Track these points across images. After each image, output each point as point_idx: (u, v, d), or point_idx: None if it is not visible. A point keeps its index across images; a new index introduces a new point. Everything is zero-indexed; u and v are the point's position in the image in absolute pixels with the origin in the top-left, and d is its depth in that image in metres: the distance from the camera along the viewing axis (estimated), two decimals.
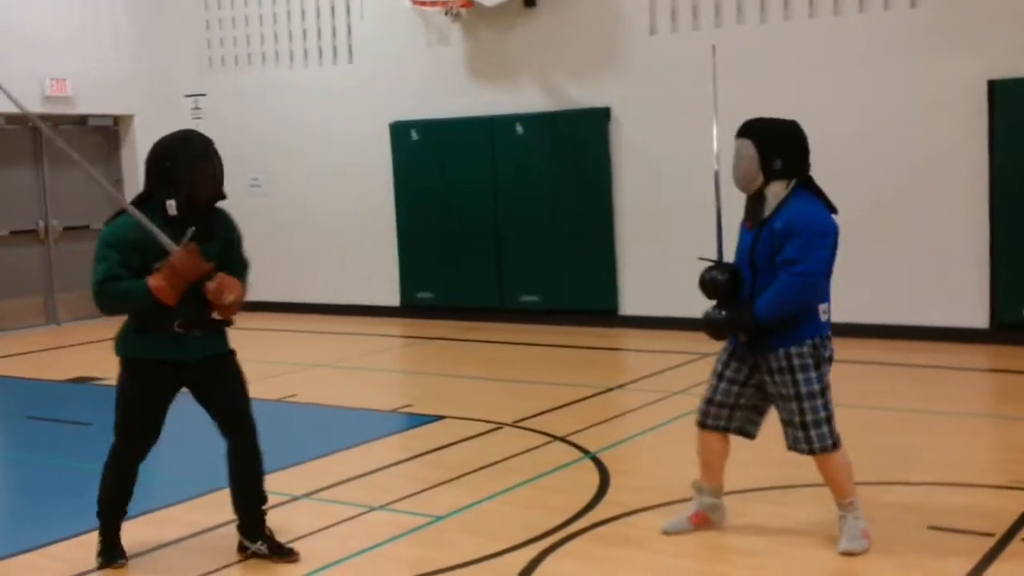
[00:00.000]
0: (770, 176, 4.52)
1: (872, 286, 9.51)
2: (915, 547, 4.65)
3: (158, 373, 4.65)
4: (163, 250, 4.43)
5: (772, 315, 4.44)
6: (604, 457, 6.17)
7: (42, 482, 6.10)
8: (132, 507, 4.94)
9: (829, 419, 4.52)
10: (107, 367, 9.52)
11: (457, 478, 5.88)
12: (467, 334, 10.93)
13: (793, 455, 4.68)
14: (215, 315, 4.68)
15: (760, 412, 4.76)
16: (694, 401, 7.42)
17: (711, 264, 4.69)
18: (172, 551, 5.01)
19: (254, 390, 8.60)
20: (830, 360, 4.55)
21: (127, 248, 4.45)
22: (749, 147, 4.54)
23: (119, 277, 4.45)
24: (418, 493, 5.65)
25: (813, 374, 4.47)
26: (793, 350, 4.47)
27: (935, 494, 5.39)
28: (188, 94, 13.44)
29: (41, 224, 12.56)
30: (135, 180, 13.25)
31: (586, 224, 11.15)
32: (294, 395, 8.25)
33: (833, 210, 4.59)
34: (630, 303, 11.01)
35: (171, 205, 4.48)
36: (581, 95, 11.10)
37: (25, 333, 11.96)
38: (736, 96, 10.25)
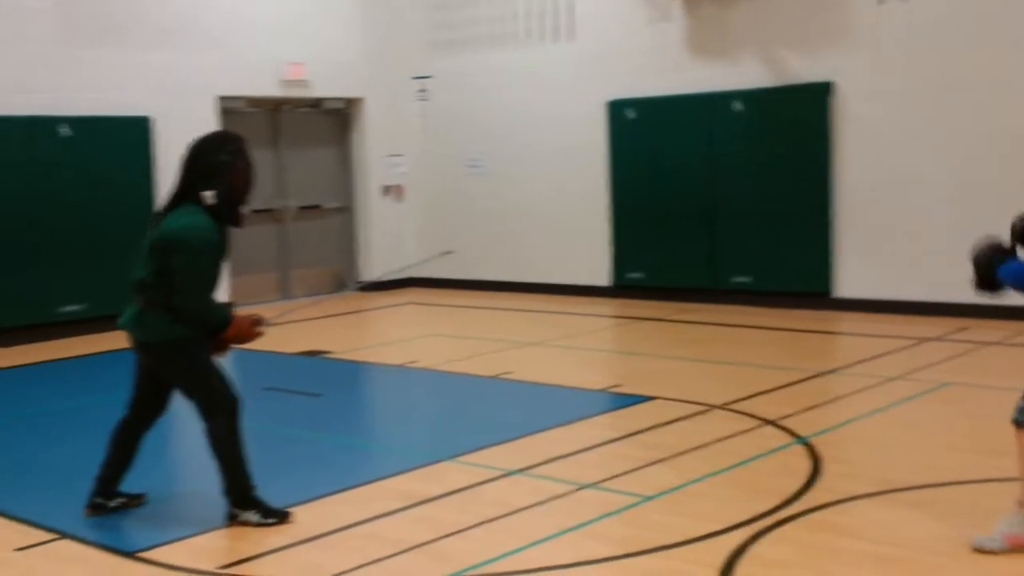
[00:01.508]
0: None
1: None
2: None
3: (203, 344, 5.08)
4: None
5: (1004, 279, 4.38)
6: (816, 443, 6.06)
7: (280, 452, 6.49)
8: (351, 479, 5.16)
9: None
10: (334, 341, 10.12)
11: (666, 459, 5.91)
12: (678, 315, 10.89)
13: None
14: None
15: None
16: (911, 387, 7.25)
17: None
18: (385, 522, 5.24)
19: (473, 366, 8.98)
20: None
21: (215, 248, 4.98)
22: None
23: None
24: (627, 473, 5.72)
25: None
26: None
27: None
28: (415, 76, 13.89)
29: (278, 203, 13.31)
30: (363, 160, 13.85)
31: (803, 204, 10.90)
32: (509, 372, 8.46)
33: None
34: (846, 285, 10.70)
35: (210, 196, 4.91)
36: (803, 70, 10.83)
37: (261, 307, 12.68)
38: (970, 71, 9.83)
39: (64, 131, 10.94)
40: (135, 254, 5.13)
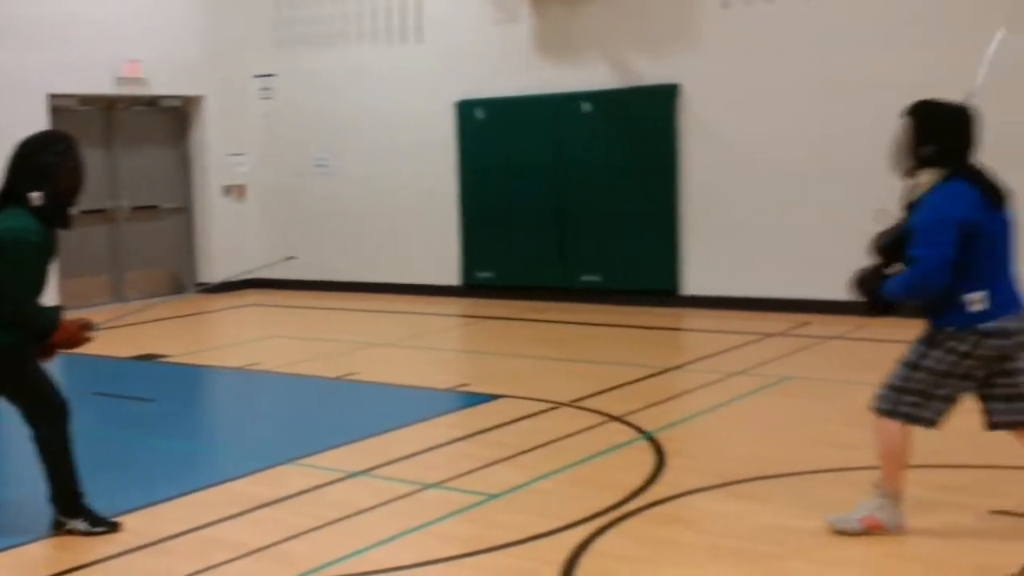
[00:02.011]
0: (920, 162, 4.33)
1: None
2: (979, 531, 4.56)
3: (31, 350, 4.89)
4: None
5: (891, 296, 4.41)
6: (661, 438, 6.13)
7: (111, 458, 6.21)
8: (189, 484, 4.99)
9: (903, 391, 4.40)
10: (171, 345, 9.77)
11: (512, 457, 5.88)
12: (527, 313, 10.93)
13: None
14: None
15: (980, 389, 4.47)
16: (753, 382, 7.42)
17: (892, 223, 4.50)
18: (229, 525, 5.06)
19: (316, 367, 8.80)
20: (970, 358, 4.29)
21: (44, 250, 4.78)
22: (907, 127, 4.38)
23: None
24: (473, 471, 5.66)
25: (924, 349, 4.37)
26: (930, 327, 4.41)
27: (999, 477, 5.27)
28: (257, 74, 13.57)
29: (110, 204, 12.79)
30: (203, 159, 13.45)
31: (650, 203, 11.07)
32: (354, 373, 8.31)
33: (999, 200, 4.31)
34: (692, 283, 10.92)
35: (37, 197, 4.71)
36: (649, 71, 11.00)
37: (93, 311, 12.16)
38: (810, 73, 10.16)
39: None
40: None
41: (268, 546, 4.69)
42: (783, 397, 7.11)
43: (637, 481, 5.35)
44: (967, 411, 4.54)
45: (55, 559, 4.67)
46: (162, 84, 12.87)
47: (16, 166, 4.77)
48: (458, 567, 4.44)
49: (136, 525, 4.99)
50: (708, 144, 10.74)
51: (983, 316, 4.26)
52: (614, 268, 11.31)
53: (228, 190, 13.65)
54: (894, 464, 4.49)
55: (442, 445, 6.24)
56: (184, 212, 13.57)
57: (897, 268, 4.40)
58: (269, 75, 13.53)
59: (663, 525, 4.81)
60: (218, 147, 13.50)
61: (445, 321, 11.06)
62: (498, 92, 11.84)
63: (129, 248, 12.96)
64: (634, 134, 11.17)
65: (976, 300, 4.26)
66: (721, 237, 10.70)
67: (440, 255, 12.33)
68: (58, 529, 4.90)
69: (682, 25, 10.78)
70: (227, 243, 13.56)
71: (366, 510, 5.13)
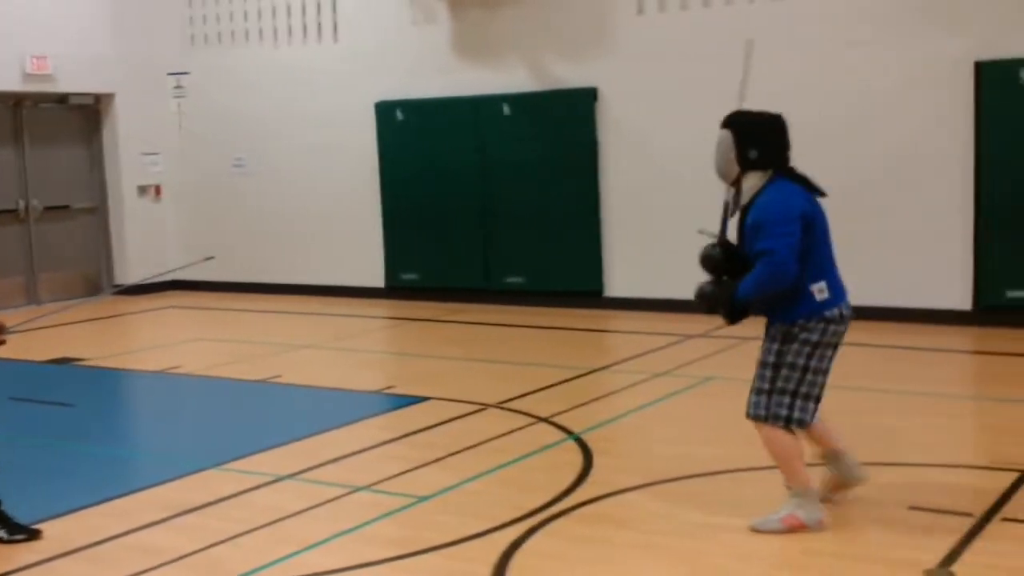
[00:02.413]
0: (745, 166, 4.66)
1: (858, 269, 9.55)
2: (897, 527, 4.67)
3: None
4: None
5: (748, 297, 4.61)
6: (588, 438, 6.17)
7: (30, 464, 6.06)
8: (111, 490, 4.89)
9: (771, 393, 4.59)
10: (88, 348, 9.55)
11: (441, 459, 5.87)
12: (452, 315, 10.92)
13: None
14: None
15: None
16: (677, 382, 7.51)
17: (712, 240, 4.81)
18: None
19: (240, 370, 8.69)
20: (820, 345, 4.56)
21: None
22: (727, 137, 4.71)
23: None
24: (402, 474, 5.65)
25: (779, 347, 4.58)
26: (778, 324, 4.62)
27: (917, 474, 5.43)
28: (171, 72, 13.34)
29: (22, 204, 12.47)
30: (115, 158, 13.18)
31: (572, 205, 11.14)
32: (278, 376, 8.22)
33: (819, 194, 4.69)
34: (615, 285, 11.01)
35: None
36: (568, 75, 11.06)
37: (6, 313, 11.85)
38: (724, 77, 10.31)
39: None
40: None
41: (196, 552, 4.64)
42: (707, 397, 7.21)
43: (566, 481, 5.38)
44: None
45: None
46: (71, 81, 12.59)
47: None
48: (390, 570, 4.42)
49: (58, 532, 4.90)
50: (627, 147, 10.84)
51: (826, 304, 4.55)
52: (538, 270, 11.34)
53: (143, 190, 13.40)
54: (790, 464, 4.63)
55: (370, 448, 6.21)
56: (98, 212, 13.28)
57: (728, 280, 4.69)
58: (183, 73, 13.31)
59: (593, 524, 4.85)
60: (131, 146, 13.24)
61: (369, 323, 10.99)
62: (418, 93, 11.80)
63: (42, 249, 12.65)
64: (555, 136, 11.22)
65: (820, 289, 4.55)
66: (642, 238, 10.81)
67: (363, 257, 12.26)
68: None
69: (599, 30, 10.87)
70: (143, 244, 13.30)
71: (295, 514, 5.09)
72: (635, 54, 10.70)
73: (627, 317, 10.50)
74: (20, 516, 4.89)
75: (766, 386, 4.59)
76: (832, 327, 4.56)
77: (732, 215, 4.78)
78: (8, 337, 4.96)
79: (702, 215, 10.61)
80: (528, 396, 7.24)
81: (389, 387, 7.84)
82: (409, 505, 5.16)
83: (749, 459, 5.62)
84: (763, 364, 4.61)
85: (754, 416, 4.65)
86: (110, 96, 13.07)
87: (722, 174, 4.78)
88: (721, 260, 4.73)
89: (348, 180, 12.35)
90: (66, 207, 12.92)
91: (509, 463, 5.78)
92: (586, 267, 11.09)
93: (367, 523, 4.94)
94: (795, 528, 4.61)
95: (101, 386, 8.53)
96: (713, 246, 4.79)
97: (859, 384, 7.13)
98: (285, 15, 12.67)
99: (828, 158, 8.79)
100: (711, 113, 8.53)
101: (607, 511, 5.02)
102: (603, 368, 8.28)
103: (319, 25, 12.47)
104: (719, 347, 8.71)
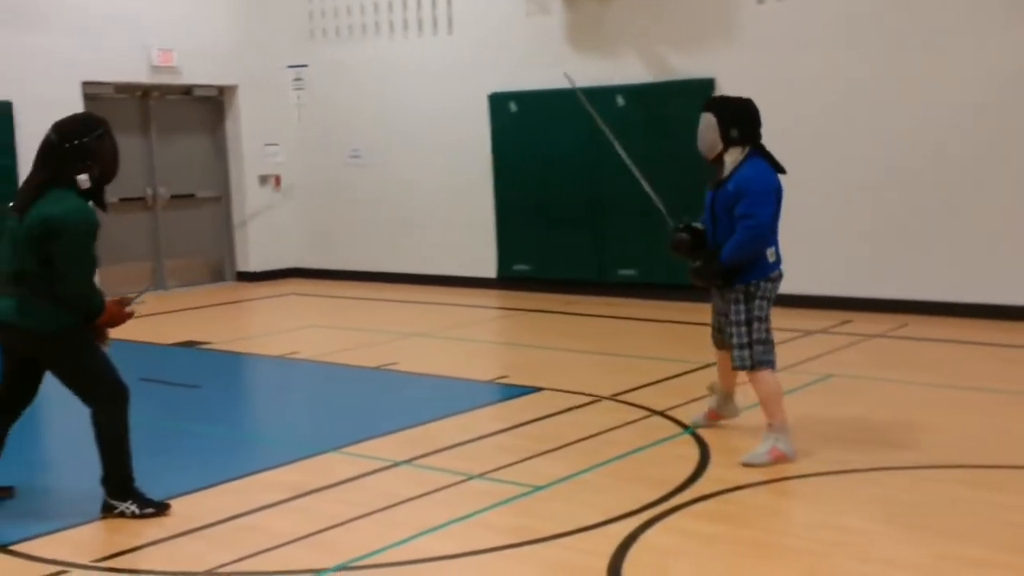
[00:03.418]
0: (728, 143, 5.45)
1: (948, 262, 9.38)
2: (1002, 536, 4.51)
3: (88, 332, 4.96)
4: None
5: (733, 261, 5.42)
6: (704, 433, 6.10)
7: (158, 443, 6.26)
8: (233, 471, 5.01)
9: (751, 345, 5.43)
10: (212, 332, 9.82)
11: (555, 450, 5.86)
12: (564, 307, 10.90)
13: None
14: None
15: None
16: (796, 379, 7.35)
17: (675, 227, 5.81)
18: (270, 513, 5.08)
19: (356, 357, 8.82)
20: (770, 300, 5.47)
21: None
22: (711, 119, 5.49)
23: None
24: (516, 463, 5.66)
25: (744, 306, 5.43)
26: (739, 286, 5.45)
27: None
28: (290, 65, 13.61)
29: (149, 192, 12.87)
30: (238, 148, 13.50)
31: (685, 199, 10.98)
32: (394, 363, 8.32)
33: (780, 171, 5.50)
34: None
35: (84, 179, 4.82)
36: (685, 66, 10.93)
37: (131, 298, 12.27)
38: (849, 66, 10.08)
39: None
40: None
41: (311, 534, 4.71)
42: (827, 395, 7.05)
43: (682, 476, 5.32)
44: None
45: (106, 541, 4.71)
46: (196, 73, 12.94)
47: (58, 150, 4.83)
48: (504, 558, 4.43)
49: (181, 510, 5.03)
50: None
51: (773, 266, 5.50)
52: (650, 263, 11.25)
53: (264, 179, 13.71)
54: (777, 402, 5.49)
55: (484, 436, 6.24)
56: (221, 201, 13.64)
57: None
58: (302, 65, 13.56)
59: (711, 520, 4.78)
60: (253, 136, 13.57)
61: (482, 313, 11.05)
62: (531, 85, 11.80)
63: (168, 236, 13.04)
64: (669, 129, 11.08)
65: (772, 253, 5.49)
66: None
67: (476, 247, 12.33)
68: (108, 511, 4.96)
69: (717, 18, 10.70)
70: (264, 232, 13.63)
71: (409, 499, 5.14)
72: (755, 43, 10.50)
73: None
74: (149, 495, 5.04)
75: (745, 340, 5.43)
76: (772, 285, 5.50)
77: (715, 187, 5.57)
78: (133, 308, 5.13)
79: (827, 210, 10.46)
80: (642, 389, 7.19)
81: (502, 377, 7.87)
82: (523, 494, 5.17)
83: (871, 459, 5.49)
84: (737, 323, 5.43)
85: (748, 367, 5.46)
86: (233, 88, 13.40)
87: (706, 151, 5.57)
88: (691, 240, 5.66)
89: (462, 171, 12.42)
90: (191, 195, 13.30)
91: (623, 455, 5.74)
92: None
93: (481, 511, 4.96)
94: (778, 459, 5.36)
95: (224, 369, 8.75)
96: (678, 231, 5.75)
97: (966, 384, 6.92)
98: (401, 9, 12.80)
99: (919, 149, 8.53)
100: (836, 104, 8.56)
101: (724, 508, 4.95)
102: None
103: (434, 19, 12.57)
104: (840, 344, 8.53)
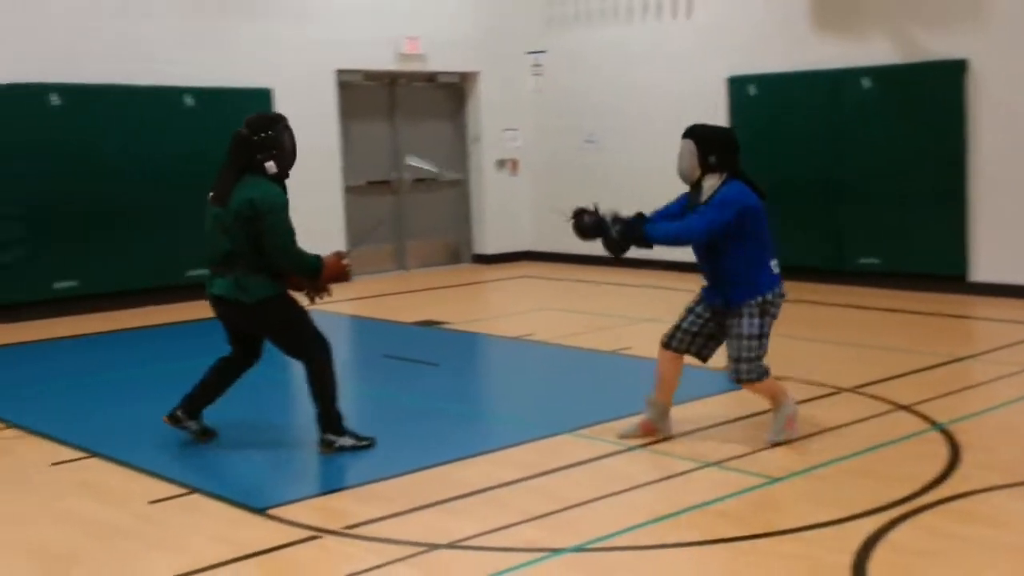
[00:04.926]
0: (705, 169, 5.56)
1: None
2: None
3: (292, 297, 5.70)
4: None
5: (657, 238, 5.60)
6: (953, 430, 5.81)
7: (400, 418, 6.53)
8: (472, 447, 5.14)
9: (759, 358, 5.55)
10: (450, 312, 10.13)
11: (793, 441, 5.72)
12: (801, 295, 10.56)
13: None
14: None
15: (717, 343, 5.76)
16: None
17: (568, 216, 5.68)
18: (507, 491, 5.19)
19: (590, 340, 8.89)
20: (774, 316, 5.57)
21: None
22: (691, 146, 5.61)
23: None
24: (752, 453, 5.57)
25: (756, 320, 5.50)
26: (756, 299, 5.50)
27: None
28: (529, 51, 13.81)
29: (394, 176, 13.37)
30: (478, 133, 13.83)
31: (935, 184, 10.51)
32: (628, 348, 8.34)
33: (762, 195, 5.60)
34: (981, 269, 10.29)
35: (271, 166, 5.53)
36: (935, 46, 10.41)
37: (378, 278, 12.84)
38: None
39: (188, 102, 11.13)
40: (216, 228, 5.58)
41: (549, 513, 4.78)
42: None
43: (930, 474, 5.10)
44: None
45: (354, 511, 4.93)
46: (440, 60, 13.32)
47: (248, 142, 5.52)
48: (742, 550, 4.37)
49: (424, 483, 5.22)
50: (1000, 124, 10.06)
51: (777, 278, 5.59)
52: (895, 251, 10.81)
53: (502, 164, 13.99)
54: (779, 390, 5.68)
55: (719, 424, 6.17)
56: (461, 184, 14.02)
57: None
58: (540, 51, 13.73)
59: (962, 522, 4.56)
60: (493, 122, 13.86)
61: None
62: (772, 68, 11.52)
63: (410, 219, 13.51)
64: (918, 112, 10.61)
65: (775, 264, 5.60)
66: (1015, 222, 10.02)
67: None
68: (327, 447, 5.66)
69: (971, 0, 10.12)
70: (500, 215, 13.92)
71: (646, 484, 5.15)
72: (1012, 23, 9.88)
73: (994, 304, 9.77)
74: (394, 467, 5.30)
75: (754, 353, 5.53)
76: (780, 300, 5.60)
77: (692, 210, 5.62)
78: (351, 261, 5.76)
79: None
80: (886, 382, 6.92)
81: None
82: (760, 485, 5.08)
83: None
84: (749, 336, 5.51)
85: (753, 380, 5.56)
86: (474, 74, 13.73)
87: (684, 176, 5.67)
88: (594, 221, 5.60)
89: None
90: (433, 179, 13.74)
91: (866, 451, 5.55)
92: (948, 250, 10.44)
93: (718, 499, 4.91)
94: (792, 424, 5.65)
95: (462, 349, 9.01)
96: (579, 214, 5.65)
97: None
98: None
99: None
100: None
101: (976, 508, 4.71)
102: (968, 357, 7.76)
103: (673, 2, 12.45)
104: None
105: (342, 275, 5.64)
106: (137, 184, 10.90)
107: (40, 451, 6.00)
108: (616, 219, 5.63)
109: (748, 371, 5.56)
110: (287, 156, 5.61)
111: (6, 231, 10.27)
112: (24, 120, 10.30)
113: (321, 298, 5.72)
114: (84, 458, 5.80)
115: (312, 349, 5.62)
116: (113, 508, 5.04)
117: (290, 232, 5.49)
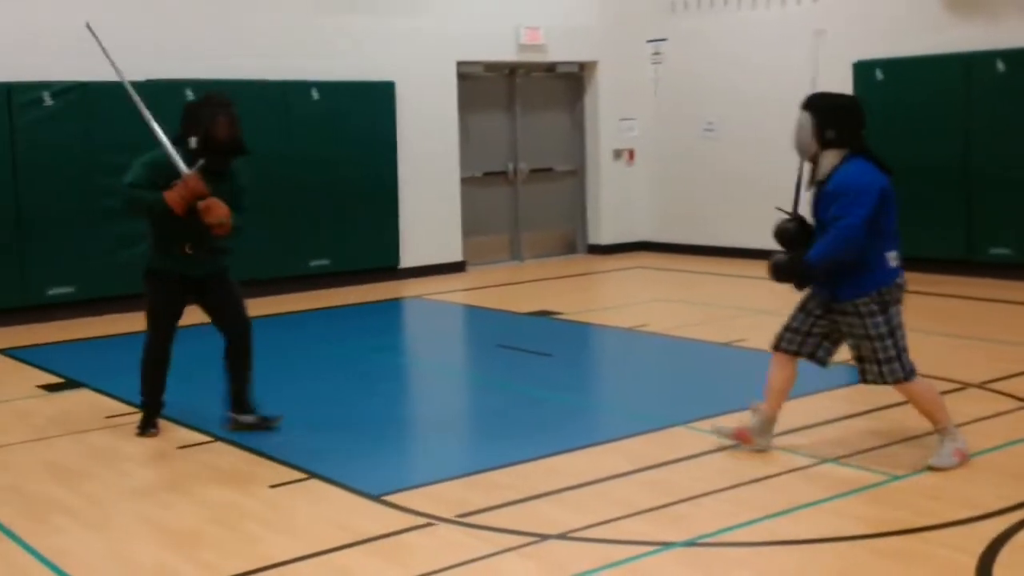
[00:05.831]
0: (824, 145, 5.09)
1: None
2: None
3: (172, 282, 5.92)
4: (178, 175, 5.61)
5: (820, 262, 5.05)
6: None
7: (513, 407, 6.55)
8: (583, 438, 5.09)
9: (899, 356, 5.05)
10: (564, 303, 10.11)
11: (915, 438, 5.55)
12: (928, 287, 10.26)
13: None
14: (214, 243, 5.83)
15: (833, 343, 5.29)
16: None
17: (786, 216, 5.30)
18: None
19: (704, 332, 8.78)
20: (899, 301, 5.09)
21: (156, 169, 5.70)
22: (807, 118, 5.13)
23: (143, 187, 5.69)
24: (872, 449, 5.42)
25: (880, 318, 5.02)
26: (870, 295, 5.02)
27: None
28: (650, 39, 13.67)
29: (511, 166, 13.40)
30: (595, 123, 13.76)
31: None
32: (742, 340, 8.20)
33: (888, 172, 5.09)
34: None
35: (193, 141, 5.75)
36: None
37: (493, 268, 12.89)
38: None
39: (314, 95, 11.33)
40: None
41: (660, 507, 4.73)
42: None
43: None
44: None
45: (465, 499, 4.94)
46: (559, 51, 13.28)
47: (183, 113, 5.90)
48: (864, 548, 4.25)
49: (536, 473, 5.21)
50: None
51: (896, 271, 5.10)
52: None
53: (618, 154, 13.89)
54: (937, 406, 5.15)
55: (836, 420, 6.02)
56: (576, 175, 13.98)
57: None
58: (661, 39, 13.57)
59: None
60: (610, 111, 13.76)
61: None
62: (900, 52, 11.17)
63: (526, 209, 13.53)
64: None
65: (893, 257, 5.09)
66: None
67: None
68: (231, 424, 6.03)
69: None
70: (615, 206, 13.84)
71: (761, 479, 5.06)
72: None
73: None
74: (506, 456, 5.28)
75: (892, 352, 5.04)
76: (899, 292, 5.09)
77: (808, 190, 5.20)
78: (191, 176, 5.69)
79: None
80: (1017, 377, 6.66)
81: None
82: (882, 483, 4.94)
83: None
84: (879, 336, 5.02)
85: (899, 380, 5.07)
86: (593, 64, 13.65)
87: (801, 151, 5.20)
88: (795, 233, 5.23)
89: None
90: (549, 169, 13.73)
91: (994, 448, 5.35)
92: None
93: (837, 496, 4.79)
94: (963, 458, 5.06)
95: (575, 339, 8.99)
96: (788, 221, 5.28)
97: None
98: None
99: None
100: None
101: None
102: None
103: None
104: None
105: (199, 191, 5.56)
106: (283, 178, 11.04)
107: (168, 436, 6.17)
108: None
109: (889, 372, 5.07)
110: (210, 135, 5.74)
111: None
112: (163, 116, 10.55)
113: (207, 220, 5.60)
114: (210, 442, 5.97)
115: (148, 327, 6.03)
116: (237, 492, 5.16)
117: (128, 174, 5.72)
